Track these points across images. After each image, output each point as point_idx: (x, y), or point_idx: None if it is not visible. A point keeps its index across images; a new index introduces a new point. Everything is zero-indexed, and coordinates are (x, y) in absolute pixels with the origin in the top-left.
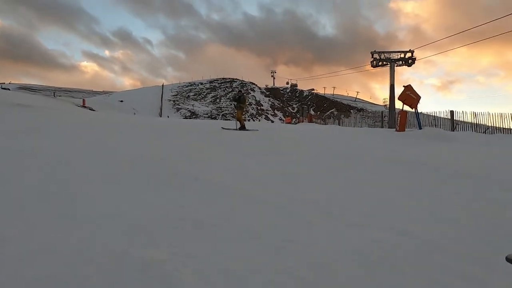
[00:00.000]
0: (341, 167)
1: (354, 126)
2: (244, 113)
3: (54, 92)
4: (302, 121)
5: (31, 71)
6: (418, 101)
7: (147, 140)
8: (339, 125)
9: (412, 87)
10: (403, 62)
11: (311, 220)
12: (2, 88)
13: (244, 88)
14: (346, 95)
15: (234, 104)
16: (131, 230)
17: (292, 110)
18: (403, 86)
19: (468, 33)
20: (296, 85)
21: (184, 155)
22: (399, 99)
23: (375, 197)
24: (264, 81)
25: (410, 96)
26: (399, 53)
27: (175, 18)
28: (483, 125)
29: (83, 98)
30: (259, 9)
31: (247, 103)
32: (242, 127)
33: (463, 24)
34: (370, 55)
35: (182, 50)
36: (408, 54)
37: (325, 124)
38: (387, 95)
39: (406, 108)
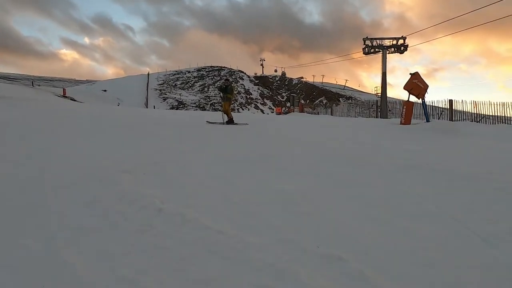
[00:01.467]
0: (356, 180)
1: (346, 116)
2: (231, 104)
3: (33, 81)
4: (293, 111)
5: (6, 59)
6: (426, 90)
7: (108, 143)
8: (331, 114)
9: (419, 75)
10: (395, 49)
11: None
12: None
13: (233, 77)
14: (335, 83)
15: (220, 95)
16: None
17: (281, 99)
18: (410, 73)
19: (452, 21)
20: (284, 74)
21: (149, 166)
22: (405, 88)
23: (431, 244)
24: (250, 69)
25: (418, 85)
26: (391, 40)
27: (156, 3)
28: (480, 114)
29: (63, 87)
30: None
31: (235, 93)
32: (230, 121)
33: (447, 12)
34: (362, 42)
35: (166, 38)
36: (400, 41)
37: (316, 114)
38: (375, 83)
39: (412, 98)
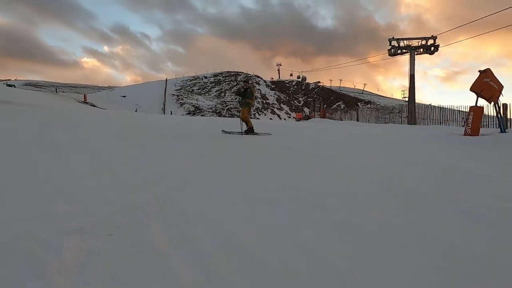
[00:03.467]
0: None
1: (374, 122)
2: (251, 110)
3: (56, 88)
4: (313, 117)
5: (33, 68)
6: (501, 92)
7: (83, 166)
8: (357, 120)
9: (492, 73)
10: (424, 50)
11: None
12: (8, 85)
13: (249, 82)
14: (353, 87)
15: (238, 99)
16: None
17: (298, 104)
18: (479, 71)
19: (473, 23)
20: (305, 78)
21: (123, 216)
22: (473, 90)
23: None
24: (263, 74)
25: (490, 85)
26: (420, 40)
27: (170, 12)
28: None
29: (84, 93)
30: (255, 2)
31: (255, 97)
32: (250, 130)
33: (465, 13)
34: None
35: (180, 45)
36: (430, 41)
37: (338, 119)
38: (393, 87)
39: (481, 101)
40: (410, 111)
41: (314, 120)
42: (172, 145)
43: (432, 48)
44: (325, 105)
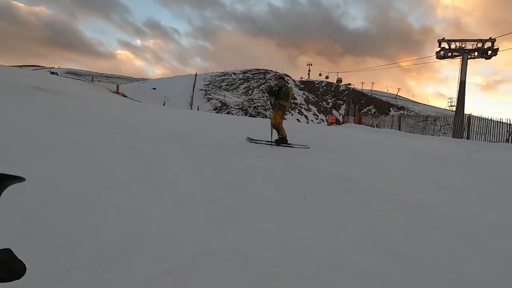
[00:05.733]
0: None
1: (420, 133)
2: (285, 115)
3: (92, 77)
4: (347, 121)
5: (73, 57)
6: None
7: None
8: (399, 129)
9: None
10: (480, 54)
11: None
12: (51, 73)
13: (278, 80)
14: (386, 91)
15: (270, 100)
16: None
17: (326, 105)
18: None
19: None
20: (341, 80)
21: None
22: None
23: None
24: (290, 73)
25: None
26: (475, 43)
27: (199, 8)
28: None
29: (117, 84)
30: (283, 0)
31: (291, 98)
32: (281, 140)
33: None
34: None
35: (209, 41)
36: (488, 44)
37: (375, 126)
38: (426, 92)
39: None
40: (456, 123)
41: (348, 125)
42: (181, 165)
43: (490, 52)
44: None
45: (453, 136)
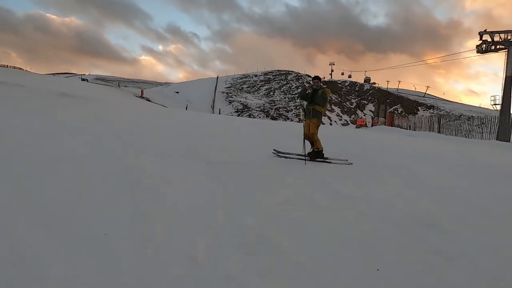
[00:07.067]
0: None
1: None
2: (320, 123)
3: (119, 82)
4: (377, 123)
5: (100, 64)
6: None
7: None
8: (439, 132)
9: None
10: None
11: None
12: (82, 80)
13: (299, 81)
14: (414, 89)
15: (303, 105)
16: None
17: (350, 105)
18: None
19: None
20: (369, 79)
21: None
22: None
23: None
24: (312, 73)
25: None
26: None
27: (217, 11)
28: None
29: (142, 88)
30: (301, 0)
31: (328, 102)
32: (317, 154)
33: None
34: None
35: (228, 43)
36: None
37: (406, 128)
38: (454, 89)
39: None
40: (502, 123)
41: (379, 128)
42: (179, 189)
43: None
44: (379, 109)
45: (498, 138)
